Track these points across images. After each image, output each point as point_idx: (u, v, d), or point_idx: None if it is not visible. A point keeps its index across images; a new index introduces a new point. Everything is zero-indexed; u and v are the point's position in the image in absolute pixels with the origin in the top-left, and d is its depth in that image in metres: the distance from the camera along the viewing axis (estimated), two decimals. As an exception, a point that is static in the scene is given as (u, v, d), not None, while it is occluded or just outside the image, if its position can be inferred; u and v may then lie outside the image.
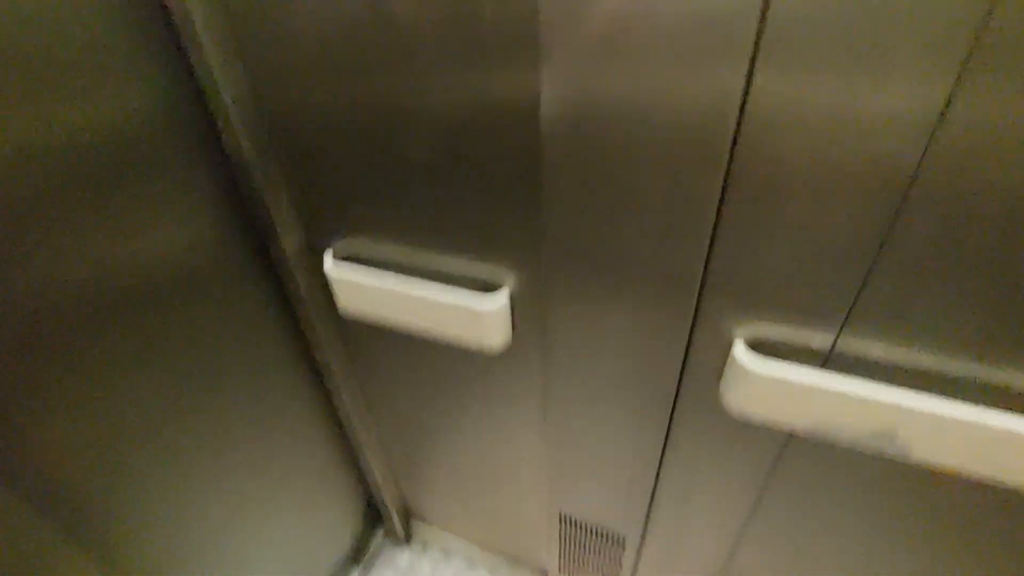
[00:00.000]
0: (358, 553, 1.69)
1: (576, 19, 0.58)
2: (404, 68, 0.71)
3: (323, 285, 1.08)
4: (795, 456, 0.85)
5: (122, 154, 0.78)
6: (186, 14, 0.75)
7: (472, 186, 0.79)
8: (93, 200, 0.75)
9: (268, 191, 0.93)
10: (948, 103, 0.50)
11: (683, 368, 0.83)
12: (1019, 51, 0.46)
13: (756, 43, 0.53)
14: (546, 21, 0.59)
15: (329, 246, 1.01)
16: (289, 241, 1.01)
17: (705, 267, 0.70)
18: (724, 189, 0.63)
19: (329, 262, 1.00)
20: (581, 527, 1.26)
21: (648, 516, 1.12)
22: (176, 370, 0.93)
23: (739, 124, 0.58)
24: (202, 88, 0.83)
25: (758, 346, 0.74)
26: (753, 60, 0.54)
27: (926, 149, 0.53)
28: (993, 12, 0.45)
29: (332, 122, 0.82)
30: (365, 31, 0.70)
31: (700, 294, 0.73)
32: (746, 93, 0.56)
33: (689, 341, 0.79)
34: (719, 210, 0.65)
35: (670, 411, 0.89)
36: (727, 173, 0.62)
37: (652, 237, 0.70)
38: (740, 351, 0.73)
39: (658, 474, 1.02)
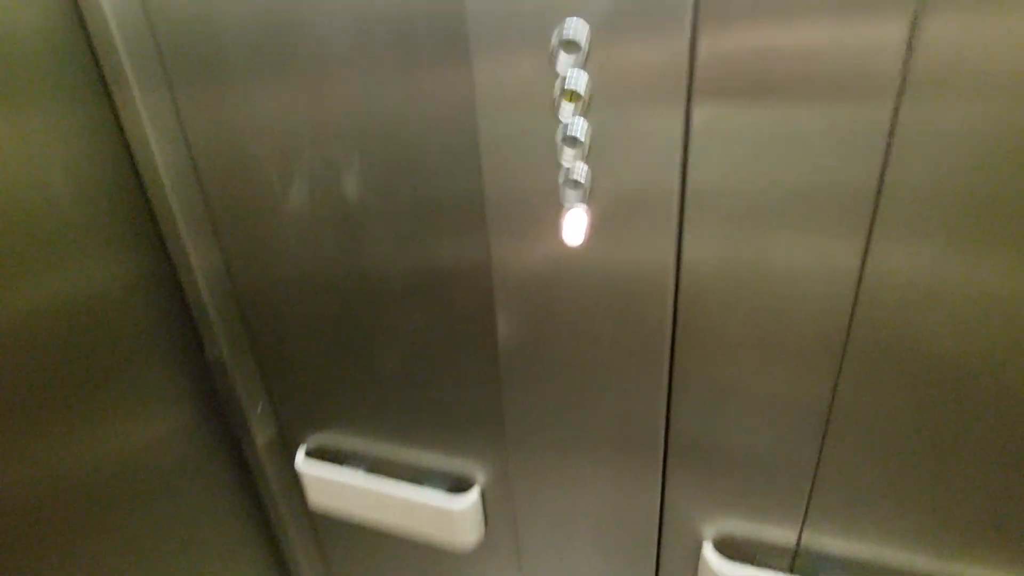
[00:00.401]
0: None
1: (520, 262, 0.67)
2: (375, 295, 0.79)
3: (295, 479, 1.07)
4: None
5: (88, 337, 0.79)
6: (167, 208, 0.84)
7: (439, 387, 0.83)
8: (56, 393, 0.77)
9: (240, 384, 0.97)
10: (864, 260, 0.54)
11: (657, 568, 0.81)
12: (917, 208, 0.51)
13: (680, 211, 0.59)
14: (497, 265, 0.68)
15: (302, 441, 1.02)
16: (261, 435, 1.02)
17: (665, 444, 0.72)
18: (672, 354, 0.66)
19: (301, 458, 1.00)
20: None
21: None
22: (144, 567, 0.88)
23: (677, 284, 0.62)
24: (178, 278, 0.90)
25: (727, 545, 0.74)
26: (681, 225, 0.59)
27: (854, 306, 0.56)
28: (886, 174, 0.50)
29: (305, 313, 0.88)
30: (338, 263, 0.79)
31: (664, 479, 0.74)
32: (679, 252, 0.60)
33: (660, 538, 0.79)
34: (671, 379, 0.68)
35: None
36: (673, 338, 0.65)
37: (609, 421, 0.73)
38: (709, 553, 0.73)
39: None
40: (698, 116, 0.53)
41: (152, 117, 0.77)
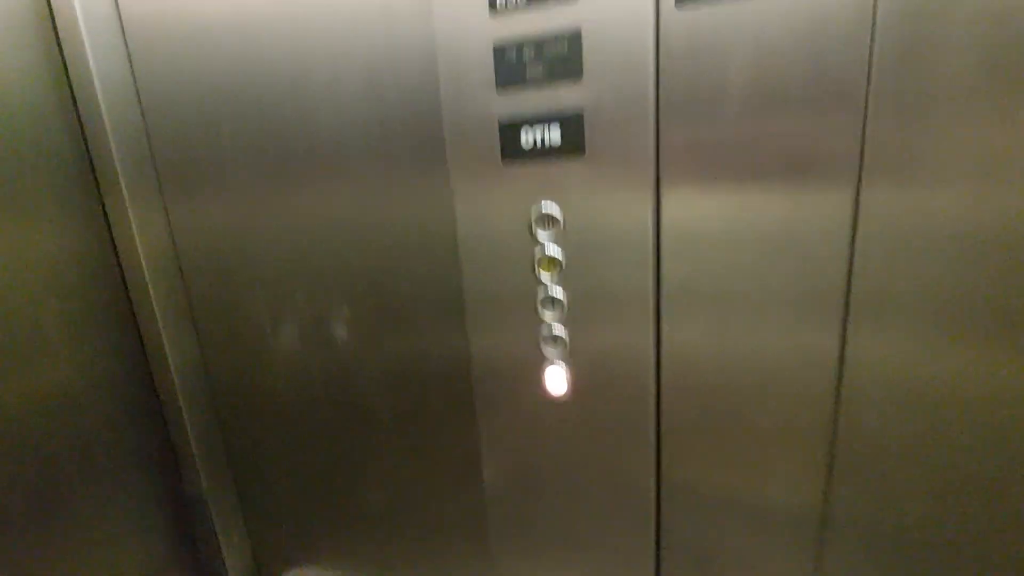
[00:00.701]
0: None
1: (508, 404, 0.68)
2: (360, 431, 0.79)
3: (269, 618, 1.01)
4: None
5: (55, 447, 0.76)
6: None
7: (423, 528, 0.81)
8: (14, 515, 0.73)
9: (217, 513, 0.93)
10: (842, 351, 0.54)
11: None
12: (887, 304, 0.52)
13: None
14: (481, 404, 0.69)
15: (278, 574, 0.98)
16: (236, 567, 0.98)
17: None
18: (659, 511, 0.66)
19: (277, 597, 0.95)
20: None
21: None
22: None
23: (659, 436, 0.63)
24: (163, 412, 0.89)
25: None
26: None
27: (838, 395, 0.56)
28: (852, 273, 0.52)
29: (287, 443, 0.87)
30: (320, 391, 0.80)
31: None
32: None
33: None
34: (658, 537, 0.67)
35: None
36: (658, 493, 0.65)
37: (597, 568, 0.71)
38: None
39: None
40: (668, 280, 0.57)
41: (141, 221, 0.78)
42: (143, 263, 0.80)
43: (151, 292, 0.81)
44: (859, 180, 0.49)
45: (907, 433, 0.54)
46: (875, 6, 0.45)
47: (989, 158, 0.45)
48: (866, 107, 0.47)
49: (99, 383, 0.81)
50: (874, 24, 0.45)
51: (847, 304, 0.52)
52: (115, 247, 0.81)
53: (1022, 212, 0.46)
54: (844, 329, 0.53)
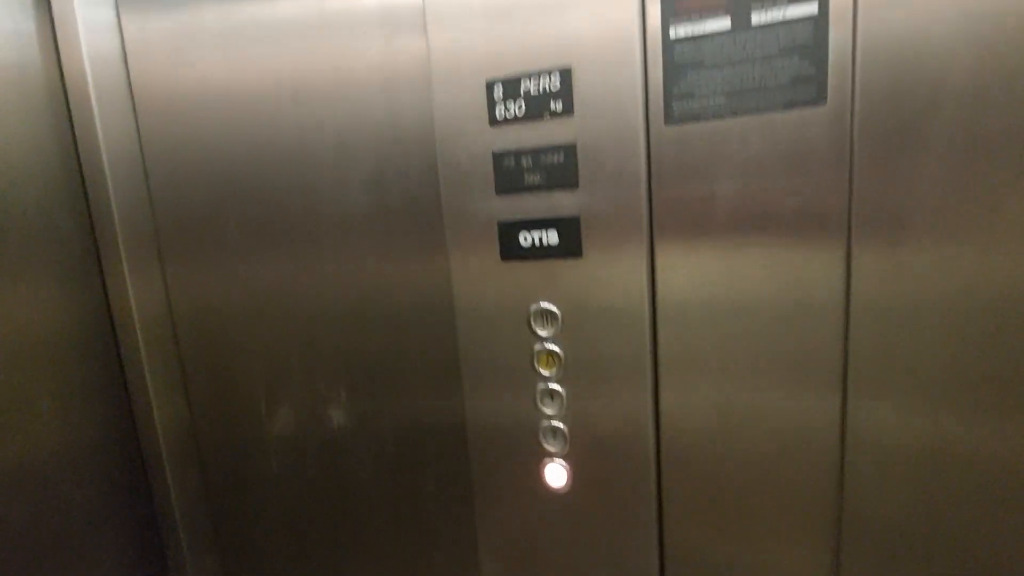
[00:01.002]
0: None
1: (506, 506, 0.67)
2: (354, 511, 0.77)
3: None
4: None
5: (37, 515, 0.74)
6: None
7: None
8: None
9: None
10: (843, 419, 0.54)
11: None
12: (884, 373, 0.52)
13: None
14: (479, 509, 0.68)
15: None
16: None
17: None
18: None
19: None
20: None
21: None
22: None
23: (661, 539, 0.62)
24: (149, 489, 0.86)
25: None
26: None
27: (842, 465, 0.55)
28: (849, 335, 0.52)
29: (277, 517, 0.84)
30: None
31: None
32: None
33: None
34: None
35: None
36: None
37: None
38: None
39: None
40: (665, 365, 0.58)
41: (139, 289, 0.78)
42: (138, 331, 0.79)
43: (144, 360, 0.80)
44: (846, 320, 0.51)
45: (914, 503, 0.54)
46: (852, 127, 0.48)
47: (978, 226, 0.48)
48: (849, 234, 0.49)
49: (84, 451, 0.80)
50: (852, 145, 0.48)
51: (845, 372, 0.53)
52: (111, 314, 0.80)
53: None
54: (844, 397, 0.54)
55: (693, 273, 0.55)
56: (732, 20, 0.49)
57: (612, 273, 0.57)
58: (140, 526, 0.87)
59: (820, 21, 0.47)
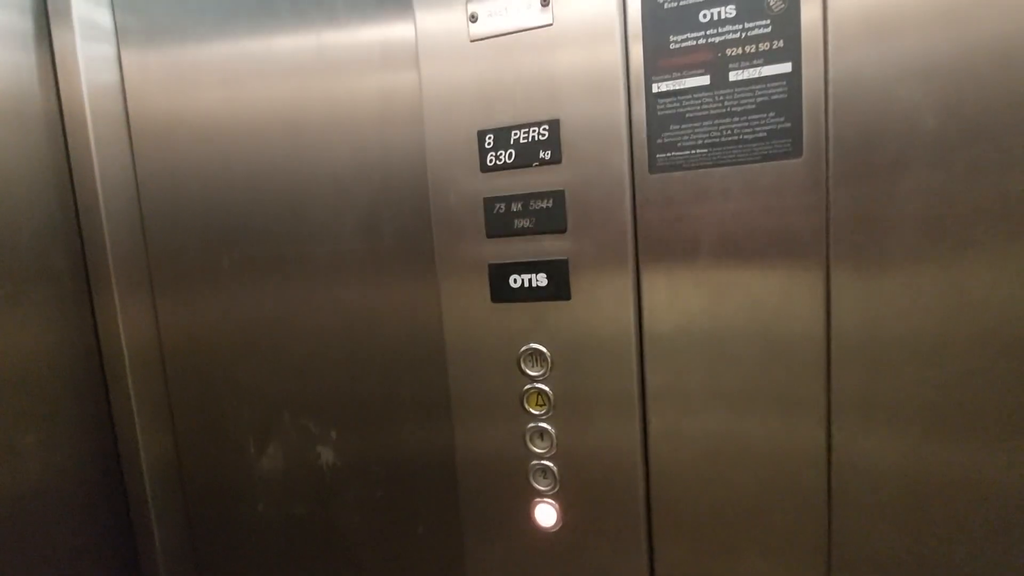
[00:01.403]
0: None
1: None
2: (342, 548, 0.76)
3: None
4: None
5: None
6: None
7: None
8: None
9: None
10: (830, 446, 0.55)
11: None
12: (869, 394, 0.53)
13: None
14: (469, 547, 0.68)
15: None
16: None
17: None
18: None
19: None
20: None
21: None
22: None
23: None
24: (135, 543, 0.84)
25: None
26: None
27: (830, 494, 0.56)
28: (831, 366, 0.53)
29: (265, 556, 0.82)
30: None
31: None
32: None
33: None
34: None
35: None
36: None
37: None
38: None
39: None
40: (653, 399, 0.59)
41: (128, 318, 0.78)
42: (127, 365, 0.79)
43: (132, 394, 0.79)
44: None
45: (902, 529, 0.55)
46: (827, 176, 0.50)
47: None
48: (827, 272, 0.51)
49: (68, 485, 0.79)
50: (828, 193, 0.50)
51: (829, 401, 0.54)
52: (99, 347, 0.80)
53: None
54: (829, 426, 0.55)
55: (679, 315, 0.56)
56: (711, 77, 0.52)
57: (600, 314, 0.58)
58: (122, 564, 0.86)
59: (793, 78, 0.50)
